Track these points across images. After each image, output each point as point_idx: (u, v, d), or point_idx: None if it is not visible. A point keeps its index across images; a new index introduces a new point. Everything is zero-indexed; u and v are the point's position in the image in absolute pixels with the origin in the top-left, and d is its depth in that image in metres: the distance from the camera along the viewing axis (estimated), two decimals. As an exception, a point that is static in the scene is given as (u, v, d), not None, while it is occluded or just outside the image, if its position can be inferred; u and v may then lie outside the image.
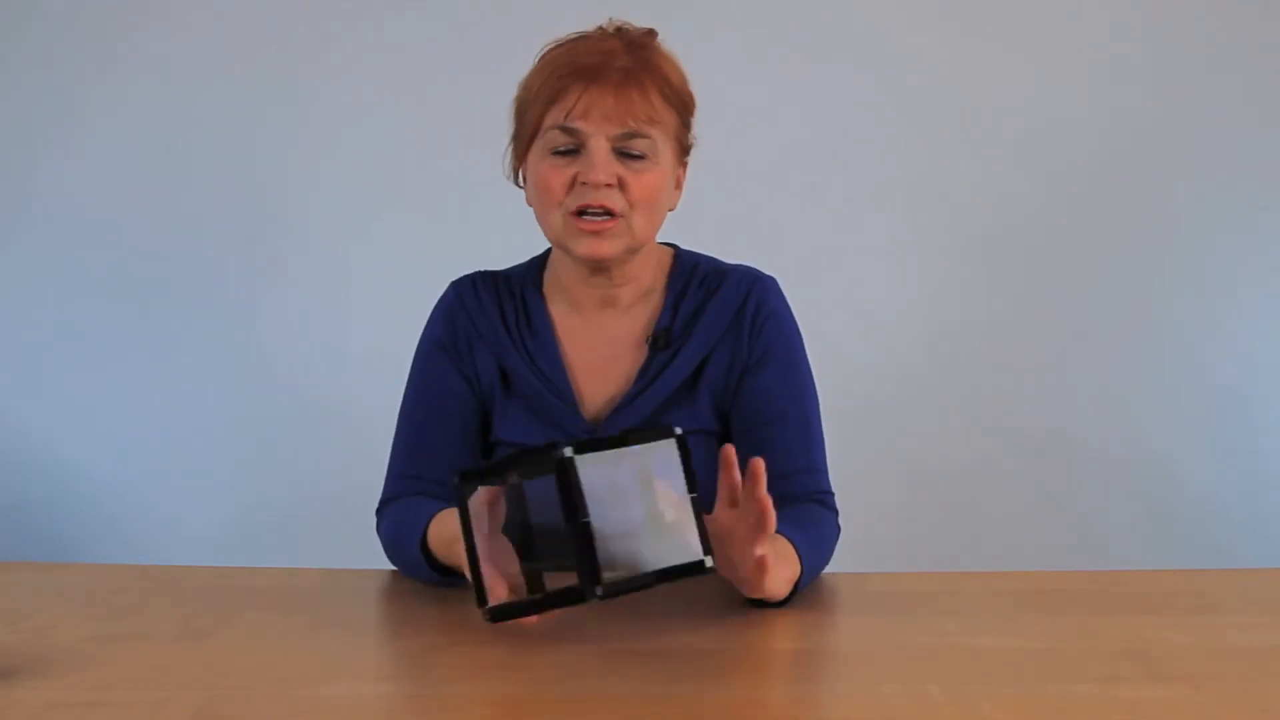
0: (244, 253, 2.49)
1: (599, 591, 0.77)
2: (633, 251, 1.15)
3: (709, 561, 0.82)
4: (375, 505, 1.22)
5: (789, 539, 1.02)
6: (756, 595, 0.95)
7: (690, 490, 0.83)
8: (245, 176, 2.48)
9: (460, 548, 0.91)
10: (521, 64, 1.17)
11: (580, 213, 1.10)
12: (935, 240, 2.49)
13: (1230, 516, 2.48)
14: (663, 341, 1.19)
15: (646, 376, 1.19)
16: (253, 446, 2.50)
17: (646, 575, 0.79)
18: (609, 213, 1.10)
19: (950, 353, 2.49)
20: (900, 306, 2.49)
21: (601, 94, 1.08)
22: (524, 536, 0.84)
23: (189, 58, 2.47)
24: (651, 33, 1.16)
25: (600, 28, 1.15)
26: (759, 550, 0.88)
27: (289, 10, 2.47)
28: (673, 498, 0.83)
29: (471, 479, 0.82)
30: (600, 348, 1.21)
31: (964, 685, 0.80)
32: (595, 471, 0.78)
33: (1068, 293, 2.50)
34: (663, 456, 0.82)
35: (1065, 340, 2.50)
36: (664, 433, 0.82)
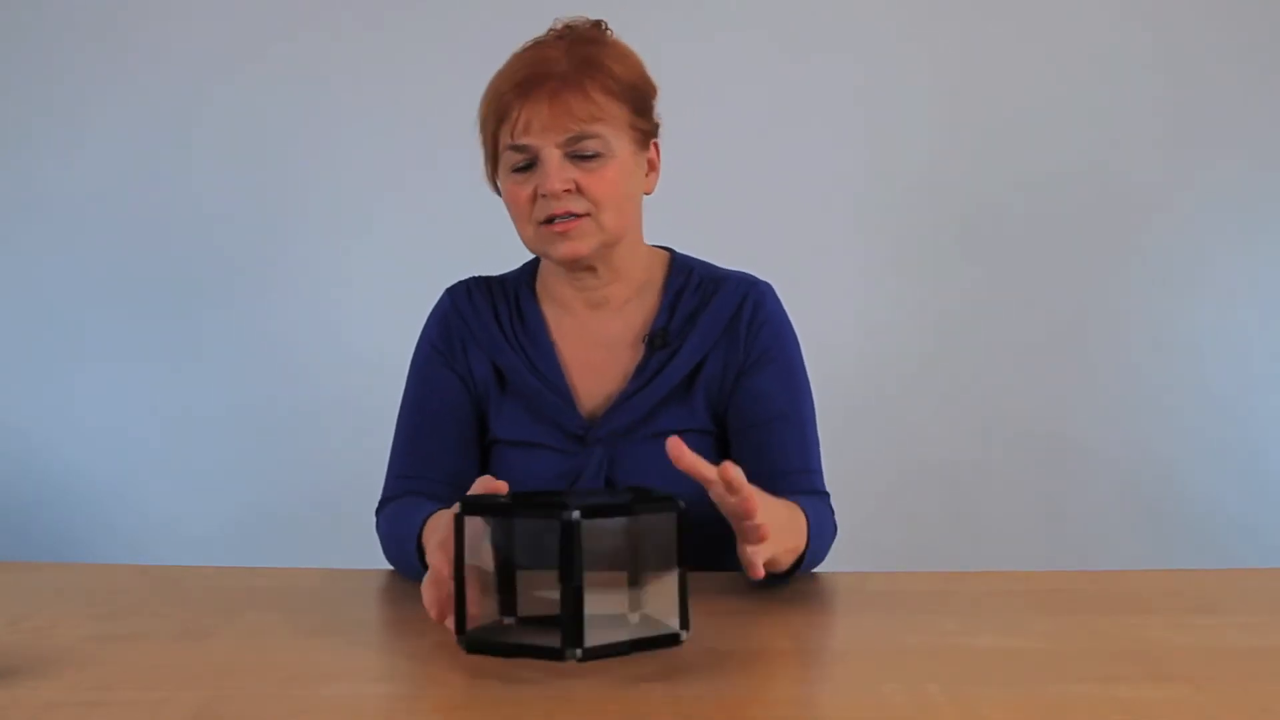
0: (245, 253, 2.49)
1: (579, 655, 0.78)
2: (609, 246, 1.17)
3: (684, 636, 0.83)
4: (375, 506, 1.22)
5: (803, 510, 1.03)
6: (760, 564, 0.91)
7: (679, 563, 0.83)
8: (245, 177, 2.48)
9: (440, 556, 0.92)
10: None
11: (548, 221, 1.13)
12: (934, 239, 2.49)
13: (1230, 516, 2.48)
14: (660, 340, 1.20)
15: (644, 375, 1.19)
16: (253, 446, 2.50)
17: (623, 644, 0.80)
18: (573, 215, 1.12)
19: (950, 353, 2.49)
20: (900, 307, 2.49)
21: (537, 105, 1.10)
22: (502, 573, 0.84)
23: (190, 59, 2.47)
24: (598, 24, 1.17)
25: (550, 29, 1.17)
26: (756, 521, 0.87)
27: (290, 12, 2.47)
28: (662, 589, 0.83)
29: (473, 510, 0.82)
30: (596, 346, 1.22)
31: (964, 685, 0.80)
32: (595, 533, 0.78)
33: (1068, 293, 2.50)
34: (661, 525, 0.82)
35: (1065, 340, 2.50)
36: (669, 504, 0.82)
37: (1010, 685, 0.80)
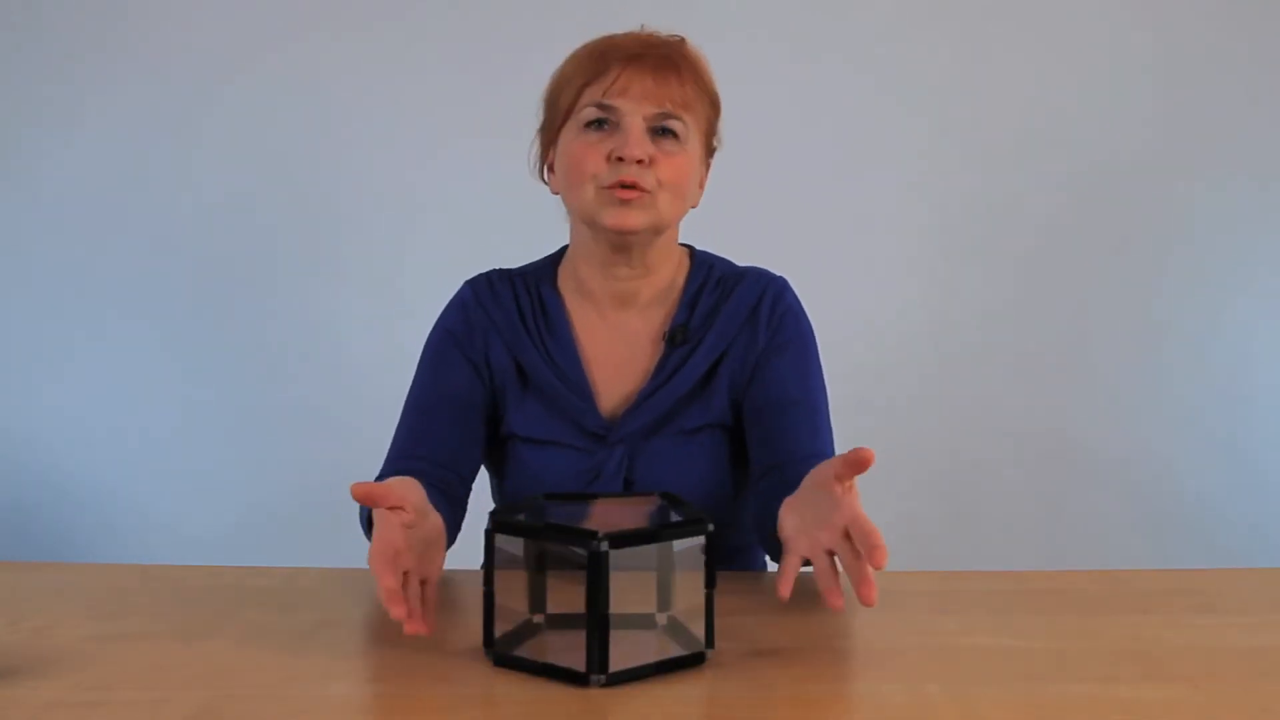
0: (244, 255, 2.49)
1: (602, 681, 0.78)
2: (657, 231, 1.15)
3: (709, 655, 0.84)
4: (375, 505, 1.22)
5: None
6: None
7: (708, 584, 0.83)
8: (247, 179, 2.48)
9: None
10: (547, 69, 1.19)
11: (615, 185, 1.11)
12: (936, 240, 2.49)
13: (1230, 516, 2.48)
14: (680, 337, 1.19)
15: (664, 373, 1.19)
16: (253, 447, 2.50)
17: (647, 666, 0.81)
18: (640, 190, 1.11)
19: (950, 352, 2.49)
20: (901, 306, 2.49)
21: (640, 73, 1.11)
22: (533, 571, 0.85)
23: (194, 59, 2.47)
24: (683, 40, 1.19)
25: (632, 32, 1.18)
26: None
27: (292, 12, 2.47)
28: (689, 589, 0.84)
29: (503, 529, 0.82)
30: (617, 344, 1.21)
31: (964, 685, 0.80)
32: (623, 560, 0.78)
33: (1068, 293, 2.50)
34: (690, 548, 0.82)
35: (1065, 340, 2.50)
36: (697, 527, 0.82)
37: (1010, 685, 0.80)
